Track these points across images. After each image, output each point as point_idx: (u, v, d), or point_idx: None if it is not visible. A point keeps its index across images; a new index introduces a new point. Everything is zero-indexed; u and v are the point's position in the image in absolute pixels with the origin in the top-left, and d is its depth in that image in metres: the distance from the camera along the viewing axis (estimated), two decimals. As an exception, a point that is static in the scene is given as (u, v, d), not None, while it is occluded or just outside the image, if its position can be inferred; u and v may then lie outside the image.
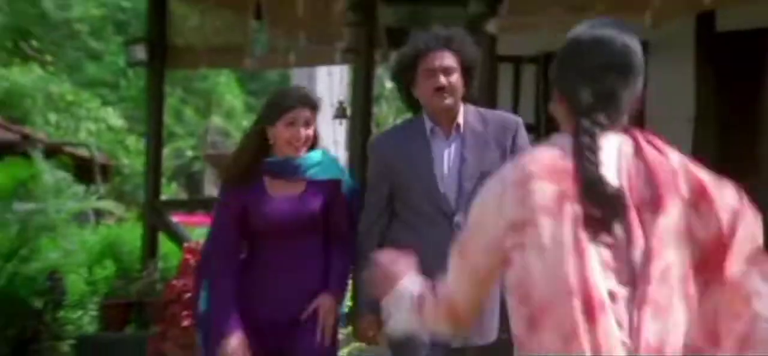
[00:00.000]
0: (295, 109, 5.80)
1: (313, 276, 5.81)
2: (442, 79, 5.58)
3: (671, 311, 3.12)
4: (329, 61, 14.16)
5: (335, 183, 5.84)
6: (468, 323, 3.43)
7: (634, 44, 3.34)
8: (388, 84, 23.02)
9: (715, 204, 3.25)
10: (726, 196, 3.26)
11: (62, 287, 13.68)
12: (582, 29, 3.40)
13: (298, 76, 19.66)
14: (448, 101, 5.52)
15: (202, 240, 9.41)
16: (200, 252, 7.14)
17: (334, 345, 5.99)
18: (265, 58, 13.91)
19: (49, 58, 28.01)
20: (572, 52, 3.29)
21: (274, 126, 5.83)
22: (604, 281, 3.07)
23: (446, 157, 5.53)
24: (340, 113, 15.94)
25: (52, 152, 18.90)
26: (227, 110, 27.04)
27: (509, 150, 5.46)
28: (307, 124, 5.82)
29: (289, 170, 5.80)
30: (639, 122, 4.17)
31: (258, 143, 5.89)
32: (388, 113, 24.15)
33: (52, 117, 25.85)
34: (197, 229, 14.61)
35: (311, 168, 5.84)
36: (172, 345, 9.67)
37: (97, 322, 13.54)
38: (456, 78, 5.59)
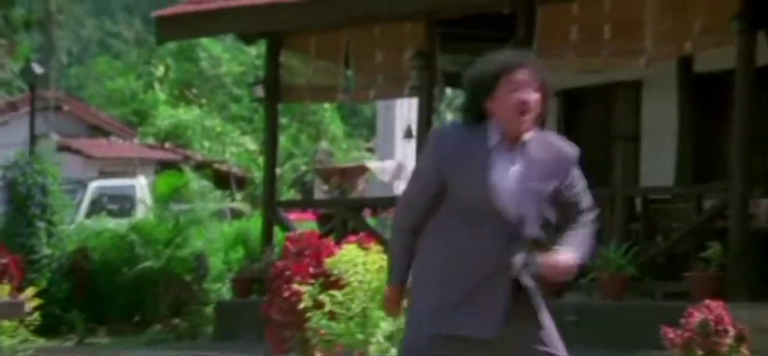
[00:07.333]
0: None
1: None
2: (526, 95, 5.06)
3: None
4: (400, 95, 16.43)
5: None
6: None
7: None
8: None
9: None
10: None
11: (206, 265, 16.19)
12: None
13: (382, 106, 21.65)
14: (527, 116, 5.01)
15: (304, 231, 11.49)
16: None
17: None
18: (352, 94, 15.93)
19: (204, 101, 33.94)
20: None
21: None
22: None
23: (509, 171, 4.99)
24: (408, 134, 17.72)
25: (200, 167, 22.07)
26: (331, 136, 31.29)
27: (564, 181, 5.05)
28: None
29: None
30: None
31: None
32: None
33: (207, 143, 30.60)
34: (308, 222, 16.55)
35: None
36: (276, 310, 10.35)
37: (231, 291, 15.94)
38: (536, 97, 5.08)
